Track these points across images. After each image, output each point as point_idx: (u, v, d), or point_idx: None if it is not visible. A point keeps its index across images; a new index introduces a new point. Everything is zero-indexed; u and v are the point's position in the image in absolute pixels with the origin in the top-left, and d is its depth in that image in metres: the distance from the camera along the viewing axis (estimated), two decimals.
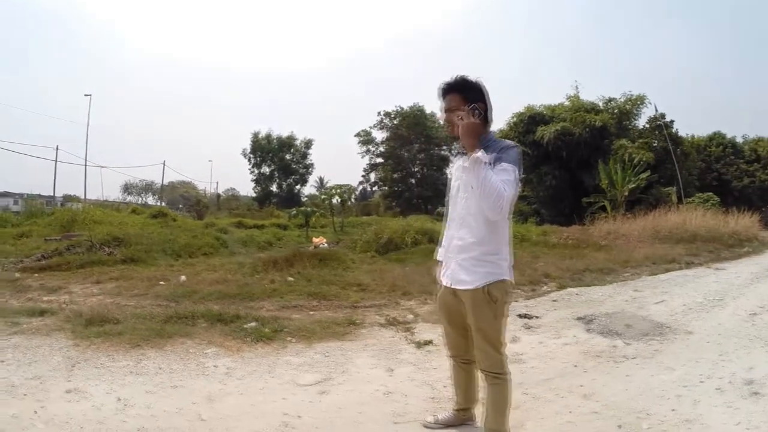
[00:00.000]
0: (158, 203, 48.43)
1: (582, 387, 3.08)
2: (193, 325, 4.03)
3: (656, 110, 27.72)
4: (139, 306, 4.91)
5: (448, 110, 2.05)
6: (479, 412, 2.39)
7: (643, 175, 19.62)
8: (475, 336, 2.05)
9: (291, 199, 45.03)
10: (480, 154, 1.84)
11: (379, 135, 43.16)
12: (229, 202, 46.28)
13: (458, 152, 2.19)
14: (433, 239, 10.27)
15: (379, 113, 42.33)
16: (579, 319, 5.03)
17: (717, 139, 35.53)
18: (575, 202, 23.94)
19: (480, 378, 2.25)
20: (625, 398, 2.92)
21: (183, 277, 6.34)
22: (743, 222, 16.06)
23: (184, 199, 52.83)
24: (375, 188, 44.55)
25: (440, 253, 2.25)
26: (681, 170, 25.06)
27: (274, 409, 2.64)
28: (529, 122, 25.57)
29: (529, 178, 27.63)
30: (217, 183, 67.39)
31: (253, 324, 4.12)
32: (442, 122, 2.10)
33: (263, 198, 45.40)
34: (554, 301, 6.18)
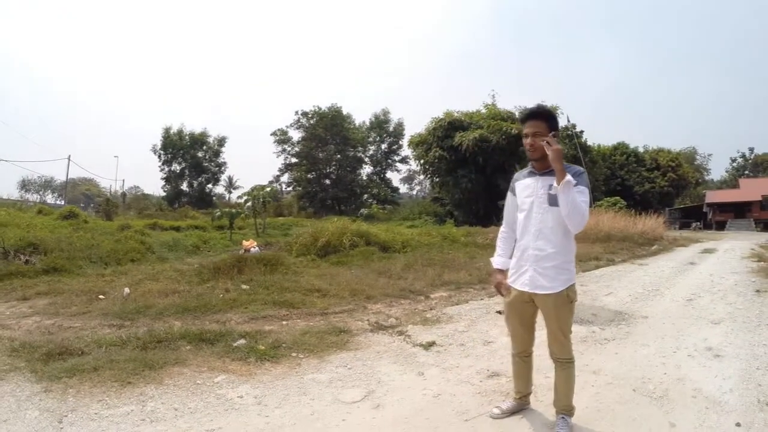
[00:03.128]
0: (58, 201, 47.70)
1: (587, 366, 3.93)
2: (176, 349, 3.84)
3: (568, 121, 33.88)
4: (87, 327, 4.52)
5: (533, 135, 2.51)
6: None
7: None
8: (554, 331, 2.61)
9: (202, 199, 47.04)
10: (569, 178, 2.36)
11: (296, 135, 46.30)
12: (138, 201, 45.77)
13: (530, 172, 2.66)
14: (370, 242, 11.37)
15: (296, 112, 45.49)
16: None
17: (621, 148, 44.01)
18: (490, 204, 27.89)
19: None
20: (625, 370, 3.86)
21: (126, 290, 6.08)
22: (649, 223, 20.25)
23: (87, 198, 53.73)
24: (290, 189, 46.34)
25: (500, 262, 2.82)
26: (589, 176, 31.17)
27: None
28: (448, 128, 29.22)
29: (445, 182, 31.30)
30: (123, 181, 64.80)
31: (243, 341, 4.07)
32: (526, 145, 2.58)
33: (173, 197, 46.67)
34: (492, 297, 7.30)
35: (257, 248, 10.63)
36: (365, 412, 2.95)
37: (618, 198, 28.30)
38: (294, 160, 46.60)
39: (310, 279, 7.10)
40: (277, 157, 47.43)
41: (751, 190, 42.70)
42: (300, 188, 45.28)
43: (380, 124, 51.03)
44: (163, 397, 3.07)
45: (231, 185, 54.67)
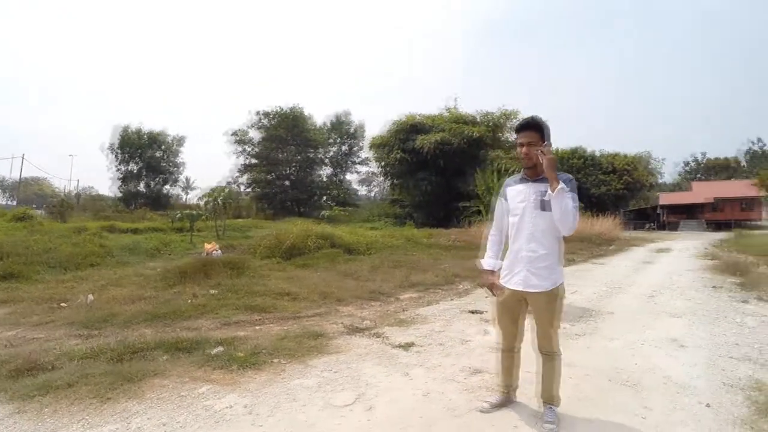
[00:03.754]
0: (9, 202, 46.35)
1: (563, 360, 4.26)
2: (152, 360, 3.77)
3: None
4: (52, 338, 4.36)
5: (527, 144, 2.75)
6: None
7: None
8: (544, 326, 2.86)
9: (159, 200, 47.04)
10: (563, 185, 2.60)
11: (256, 135, 46.63)
12: (93, 202, 44.92)
13: (522, 178, 2.89)
14: (335, 244, 11.57)
15: (257, 113, 45.95)
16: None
17: (578, 152, 46.37)
18: (449, 206, 28.77)
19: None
20: (598, 362, 4.14)
21: (90, 297, 5.91)
22: (606, 224, 21.41)
23: (39, 198, 52.27)
24: (248, 190, 46.43)
25: (489, 263, 3.04)
26: None
27: None
28: (409, 130, 30.13)
29: (405, 184, 32.06)
30: (78, 181, 62.19)
31: (220, 349, 4.05)
32: (520, 153, 2.80)
33: (129, 198, 46.72)
34: (486, 297, 7.46)
35: (219, 251, 10.47)
36: (359, 415, 3.03)
37: None
38: (253, 160, 46.93)
39: (278, 282, 7.12)
40: (237, 157, 47.85)
41: (702, 192, 45.86)
42: (259, 189, 45.59)
43: (340, 125, 51.93)
44: (148, 413, 2.99)
45: (188, 186, 54.52)
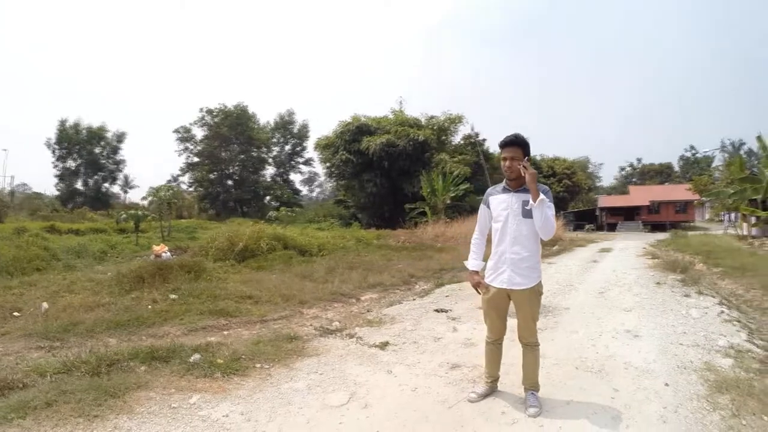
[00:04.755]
0: None
1: None
2: (130, 371, 3.75)
3: (473, 129, 37.59)
4: (11, 352, 4.19)
5: (511, 159, 3.16)
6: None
7: (463, 186, 26.29)
8: (526, 319, 3.30)
9: (99, 199, 46.80)
10: (543, 197, 3.04)
11: (200, 133, 46.92)
12: (30, 201, 42.89)
13: (505, 188, 3.30)
14: (288, 245, 11.84)
15: (201, 110, 46.03)
16: (480, 308, 6.79)
17: None
18: (395, 207, 29.68)
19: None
20: (564, 353, 4.61)
21: (45, 305, 5.72)
22: None
23: None
24: (191, 189, 46.23)
25: (474, 264, 3.46)
26: (491, 182, 34.96)
27: None
28: (356, 132, 30.90)
29: (351, 185, 32.63)
30: (12, 177, 57.55)
31: (198, 356, 4.10)
32: (504, 167, 3.23)
33: (68, 197, 45.87)
34: (447, 296, 7.96)
35: (169, 253, 10.28)
36: (357, 413, 3.26)
37: None
38: (196, 159, 46.89)
39: (237, 285, 7.19)
40: (179, 155, 47.66)
41: (639, 195, 49.95)
42: (202, 189, 45.58)
43: (285, 124, 52.58)
44: (142, 428, 2.97)
45: (127, 184, 53.13)
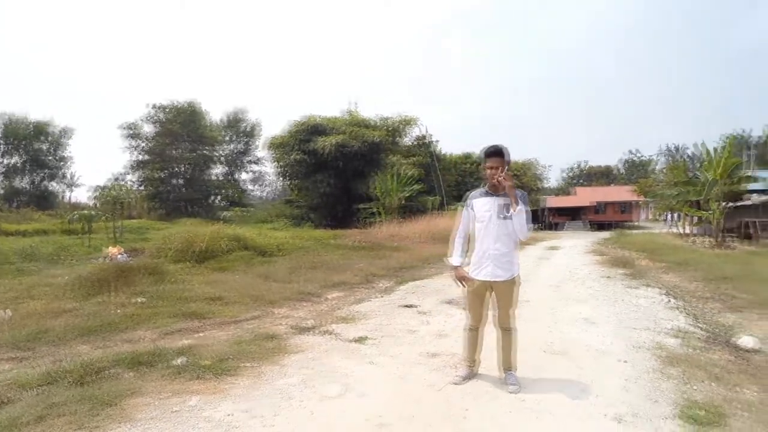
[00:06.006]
0: None
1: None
2: (117, 378, 3.81)
3: (426, 131, 38.60)
4: None
5: (492, 168, 3.67)
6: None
7: (415, 187, 27.21)
8: (506, 307, 3.85)
9: (44, 198, 44.98)
10: (521, 206, 3.60)
11: (150, 130, 45.41)
12: None
13: (486, 192, 3.82)
14: (247, 246, 12.09)
15: (152, 106, 44.82)
16: (446, 303, 7.38)
17: (471, 158, 50.71)
18: (347, 207, 30.16)
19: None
20: (529, 339, 5.09)
21: (8, 312, 5.63)
22: None
23: None
24: (140, 188, 44.88)
25: (457, 260, 3.95)
26: (442, 182, 36.17)
27: (348, 423, 3.19)
28: (309, 131, 31.04)
29: (303, 185, 32.73)
30: None
31: (183, 359, 4.24)
32: (486, 174, 3.74)
33: (10, 195, 44.03)
34: (411, 293, 8.46)
35: (124, 255, 10.12)
36: (356, 401, 3.58)
37: None
38: (145, 157, 45.53)
39: (202, 287, 7.31)
40: (128, 153, 46.01)
41: (585, 196, 53.22)
42: (151, 188, 44.39)
43: (236, 122, 52.16)
44: None
45: (72, 183, 50.78)
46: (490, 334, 4.05)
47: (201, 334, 5.44)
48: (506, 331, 3.94)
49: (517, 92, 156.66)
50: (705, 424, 3.10)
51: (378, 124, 33.60)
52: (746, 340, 4.91)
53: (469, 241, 3.99)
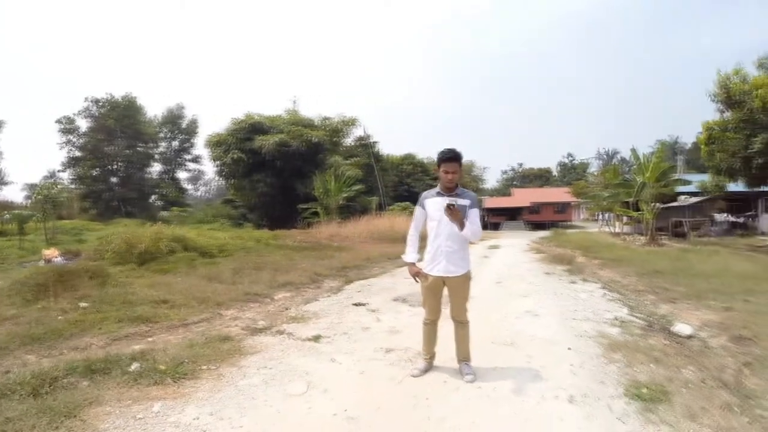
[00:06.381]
0: None
1: (450, 333, 5.41)
2: (73, 388, 3.65)
3: (366, 132, 38.99)
4: None
5: (452, 173, 3.88)
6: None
7: (356, 187, 27.39)
8: (458, 301, 4.07)
9: None
10: (467, 230, 3.84)
11: (85, 125, 43.01)
12: None
13: (438, 193, 4.01)
14: (188, 247, 11.86)
15: (87, 99, 42.57)
16: (395, 300, 7.62)
17: (409, 159, 51.74)
18: (287, 207, 29.89)
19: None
20: (478, 331, 5.16)
21: None
22: None
23: None
24: (73, 186, 42.31)
25: (412, 257, 4.15)
26: (382, 183, 36.65)
27: (317, 419, 3.26)
28: (249, 130, 30.47)
29: (241, 185, 32.03)
30: None
31: (137, 365, 4.11)
32: (445, 179, 3.91)
33: None
34: (359, 291, 8.63)
35: (61, 258, 9.55)
36: (320, 397, 3.64)
37: (408, 203, 34.46)
38: (79, 153, 43.08)
39: (146, 290, 7.06)
40: (61, 149, 43.07)
41: (522, 197, 55.66)
42: (84, 186, 42.07)
43: (174, 119, 50.18)
44: None
45: (1, 180, 46.69)
46: (443, 328, 4.26)
47: (151, 339, 5.24)
48: (460, 323, 4.16)
49: (462, 91, 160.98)
50: (650, 400, 3.45)
51: (319, 124, 33.56)
52: (682, 328, 5.38)
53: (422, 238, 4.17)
